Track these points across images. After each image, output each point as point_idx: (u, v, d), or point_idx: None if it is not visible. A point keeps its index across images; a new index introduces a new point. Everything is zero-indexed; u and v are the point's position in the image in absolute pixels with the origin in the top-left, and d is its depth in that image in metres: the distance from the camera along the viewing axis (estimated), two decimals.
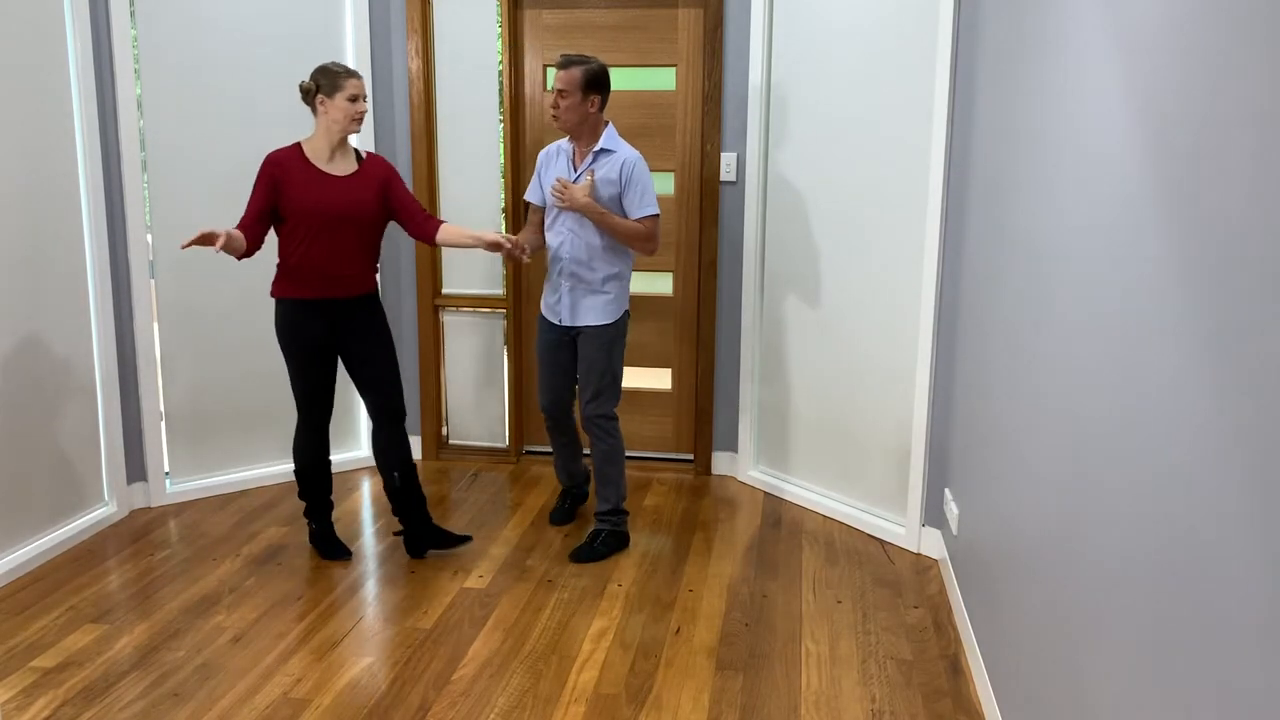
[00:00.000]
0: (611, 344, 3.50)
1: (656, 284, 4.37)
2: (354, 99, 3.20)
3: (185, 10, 3.78)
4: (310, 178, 3.22)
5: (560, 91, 3.35)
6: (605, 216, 3.38)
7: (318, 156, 3.25)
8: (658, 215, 3.44)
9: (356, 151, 3.34)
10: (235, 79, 3.91)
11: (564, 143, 3.54)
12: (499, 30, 4.20)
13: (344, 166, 3.28)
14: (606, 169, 3.42)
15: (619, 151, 3.44)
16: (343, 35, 4.13)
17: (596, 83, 3.37)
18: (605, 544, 3.56)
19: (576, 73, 3.34)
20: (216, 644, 2.92)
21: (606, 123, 3.47)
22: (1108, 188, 1.76)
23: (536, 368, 3.72)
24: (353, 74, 3.20)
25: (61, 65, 3.48)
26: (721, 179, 4.13)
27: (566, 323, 3.51)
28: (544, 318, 3.61)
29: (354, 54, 4.13)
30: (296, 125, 4.07)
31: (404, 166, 4.30)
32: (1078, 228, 1.94)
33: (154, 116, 3.78)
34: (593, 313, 3.48)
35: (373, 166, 3.34)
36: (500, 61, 4.22)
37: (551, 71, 4.27)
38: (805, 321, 3.96)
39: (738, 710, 2.62)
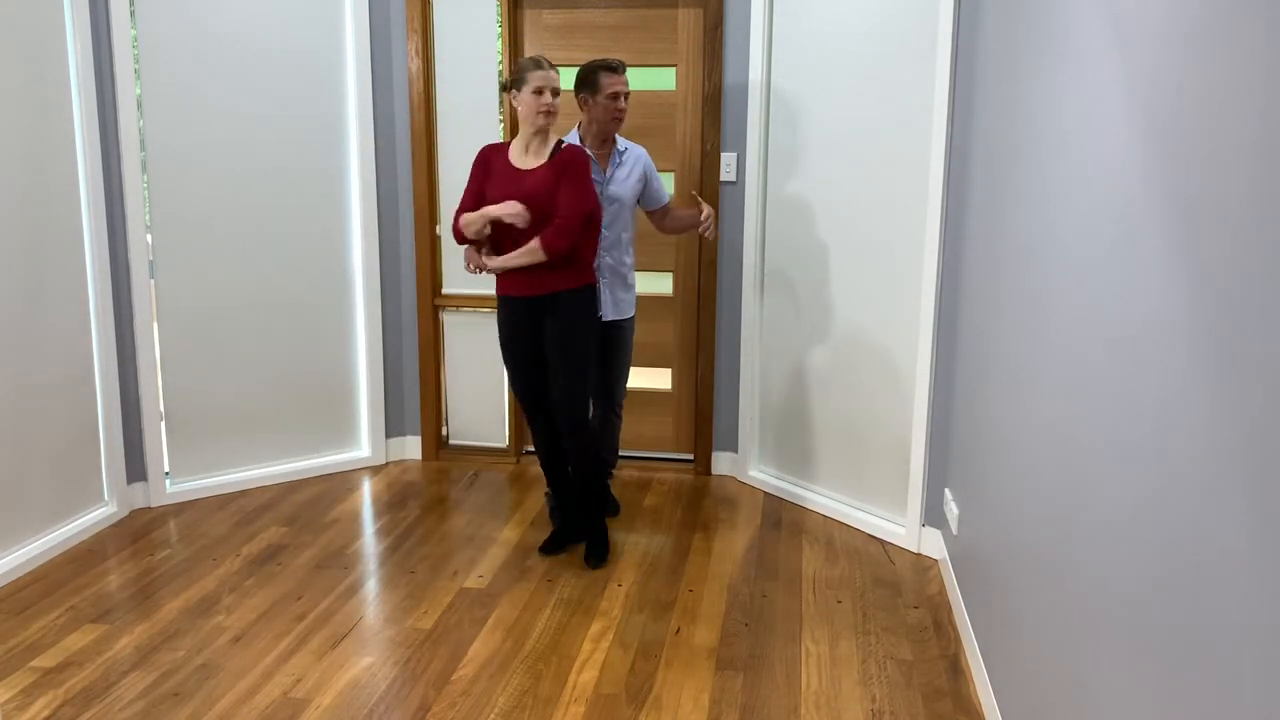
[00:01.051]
0: (633, 332, 3.77)
1: (656, 284, 4.37)
2: (539, 92, 3.20)
3: (185, 10, 3.78)
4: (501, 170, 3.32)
5: (626, 95, 3.50)
6: None
7: (514, 151, 3.31)
8: None
9: (559, 143, 3.31)
10: (235, 79, 3.91)
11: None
12: (499, 30, 4.20)
13: (534, 160, 3.30)
14: (631, 167, 3.60)
15: (631, 148, 3.63)
16: (343, 35, 4.13)
17: None
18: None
19: (626, 76, 3.53)
20: (216, 644, 2.92)
21: None
22: (1108, 188, 1.76)
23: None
24: (540, 66, 3.21)
25: (61, 65, 3.48)
26: (721, 179, 4.13)
27: (609, 318, 3.64)
28: None
29: (354, 54, 4.13)
30: (295, 124, 4.07)
31: (404, 166, 4.30)
32: (1077, 228, 1.94)
33: (154, 116, 3.78)
34: (628, 305, 3.69)
35: (560, 159, 3.28)
36: (500, 61, 4.22)
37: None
38: (805, 321, 3.96)
39: (738, 710, 2.62)
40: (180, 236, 3.88)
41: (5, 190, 3.26)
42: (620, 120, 3.51)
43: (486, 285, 4.41)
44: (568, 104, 4.04)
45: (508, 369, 3.48)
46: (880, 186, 3.60)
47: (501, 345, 3.45)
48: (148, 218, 3.81)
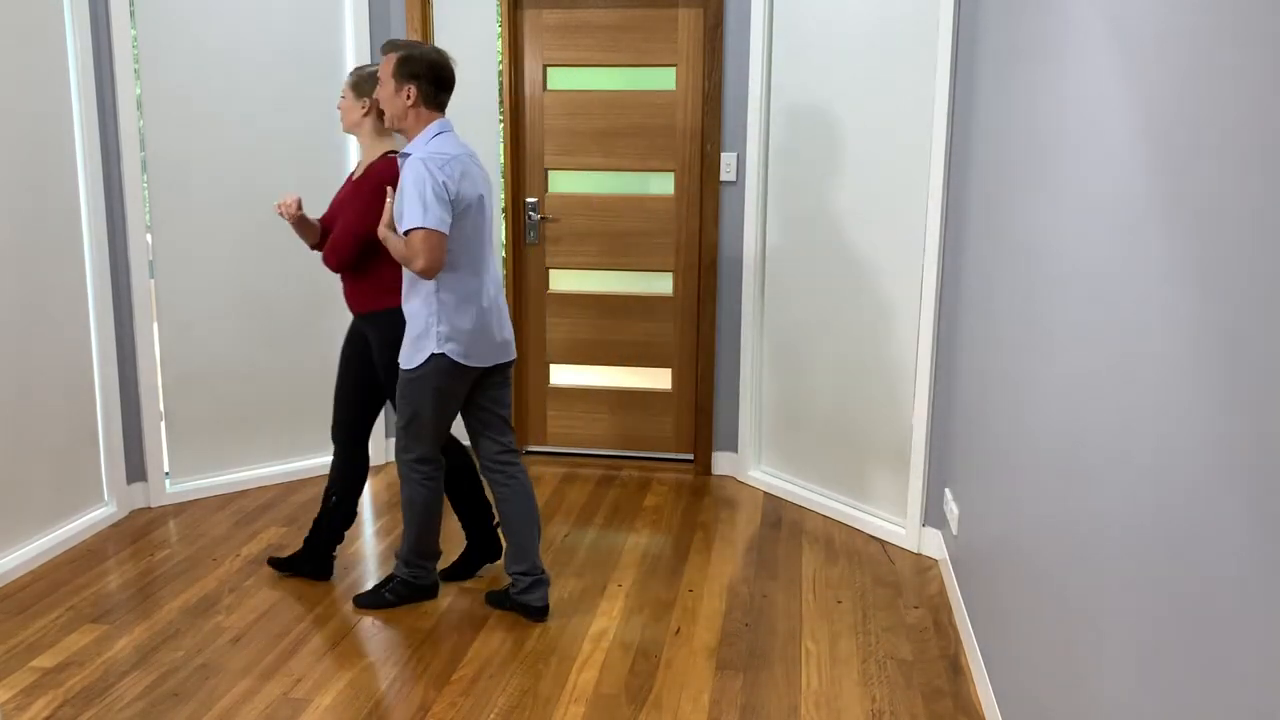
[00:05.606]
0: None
1: (656, 284, 4.37)
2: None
3: (185, 11, 3.78)
4: None
5: None
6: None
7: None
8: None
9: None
10: (235, 79, 3.91)
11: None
12: (499, 30, 4.20)
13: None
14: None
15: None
16: (343, 35, 4.13)
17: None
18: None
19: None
20: (216, 644, 2.92)
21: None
22: (1108, 189, 1.76)
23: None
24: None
25: (61, 65, 3.47)
26: (721, 179, 4.13)
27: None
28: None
29: (354, 54, 4.13)
30: (295, 125, 4.07)
31: None
32: (1077, 229, 1.94)
33: (154, 117, 3.78)
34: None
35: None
36: (500, 61, 4.22)
37: (552, 71, 4.27)
38: (805, 321, 3.96)
39: (738, 710, 2.62)
40: (180, 236, 3.88)
41: (5, 191, 3.26)
42: None
43: None
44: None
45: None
46: (881, 186, 3.60)
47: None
48: (148, 218, 3.81)
